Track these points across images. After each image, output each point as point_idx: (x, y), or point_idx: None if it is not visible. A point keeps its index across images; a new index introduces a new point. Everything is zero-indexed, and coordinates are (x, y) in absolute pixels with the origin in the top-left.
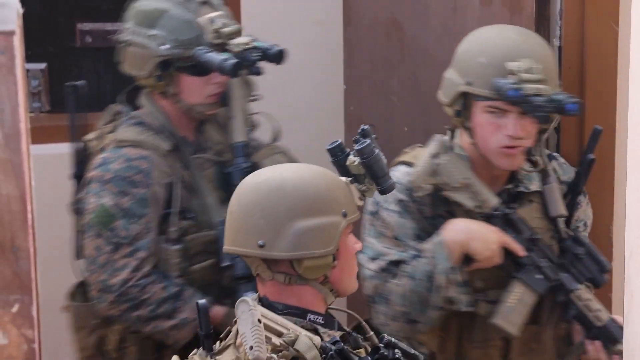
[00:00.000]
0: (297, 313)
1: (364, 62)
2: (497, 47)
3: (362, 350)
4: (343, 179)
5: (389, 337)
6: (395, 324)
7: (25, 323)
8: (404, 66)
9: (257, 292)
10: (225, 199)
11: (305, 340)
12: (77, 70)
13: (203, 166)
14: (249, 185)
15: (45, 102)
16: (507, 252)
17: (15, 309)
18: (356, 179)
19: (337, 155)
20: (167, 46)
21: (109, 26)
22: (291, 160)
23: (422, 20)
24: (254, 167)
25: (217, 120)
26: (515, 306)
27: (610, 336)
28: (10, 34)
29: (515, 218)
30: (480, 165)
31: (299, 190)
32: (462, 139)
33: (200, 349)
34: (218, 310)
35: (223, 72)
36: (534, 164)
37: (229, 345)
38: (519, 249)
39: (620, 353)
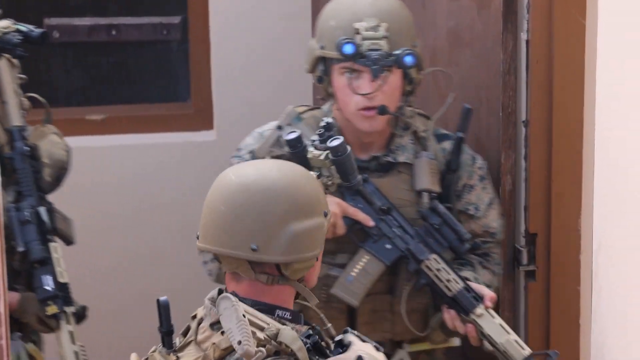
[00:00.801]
0: (265, 309)
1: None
2: (346, 10)
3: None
4: (312, 174)
5: (352, 330)
6: (213, 265)
7: None
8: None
9: (54, 276)
10: (6, 183)
11: (290, 332)
12: (45, 65)
13: None
14: (237, 186)
15: None
16: (358, 222)
17: None
18: (318, 171)
19: (297, 147)
20: None
21: (77, 21)
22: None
23: None
24: (34, 150)
25: None
26: (357, 276)
27: (461, 306)
28: None
29: (365, 188)
30: (349, 133)
31: (289, 192)
32: (333, 108)
33: (160, 345)
34: (13, 297)
35: None
36: (414, 134)
37: (190, 342)
38: (365, 219)
39: (473, 322)
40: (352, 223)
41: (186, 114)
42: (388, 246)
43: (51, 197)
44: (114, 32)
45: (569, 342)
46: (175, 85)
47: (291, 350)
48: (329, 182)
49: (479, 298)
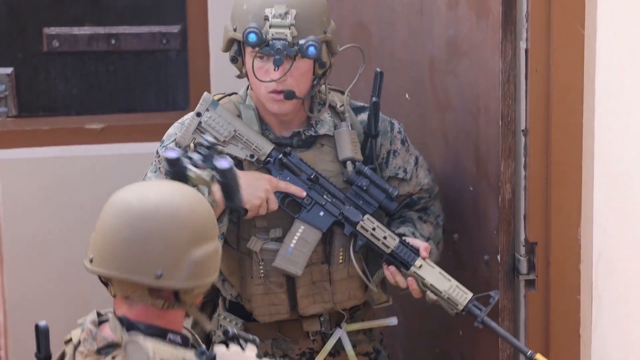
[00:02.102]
0: (159, 334)
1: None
2: None
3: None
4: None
5: (232, 330)
6: None
7: None
8: (371, 70)
9: None
10: None
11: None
12: (44, 74)
13: None
14: (141, 211)
15: (12, 107)
16: (289, 195)
17: None
18: (197, 189)
19: (176, 166)
20: None
21: (76, 30)
22: None
23: (389, 23)
24: None
25: None
26: (296, 246)
27: (400, 260)
28: None
29: (291, 161)
30: (267, 113)
31: (192, 218)
32: (250, 90)
33: None
34: None
35: None
36: (332, 109)
37: None
38: (298, 191)
39: (414, 274)
40: (283, 196)
41: None
42: (321, 213)
43: (51, 207)
44: (113, 41)
45: (570, 351)
46: (175, 94)
47: None
48: (214, 204)
49: (416, 251)
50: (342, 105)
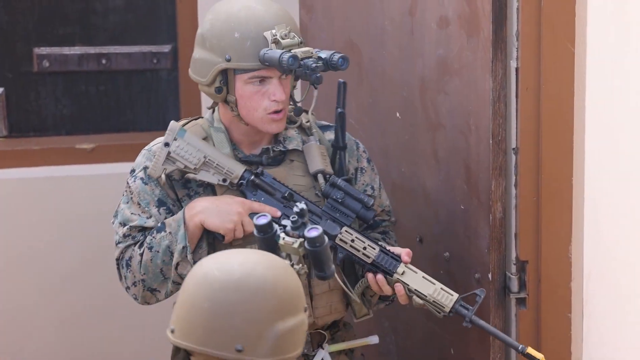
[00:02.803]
0: None
1: (321, 85)
2: (246, 20)
3: None
4: (288, 265)
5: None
6: (135, 289)
7: None
8: (362, 89)
9: None
10: None
11: None
12: (34, 94)
13: None
14: (223, 283)
15: (2, 127)
16: None
17: None
18: (288, 257)
19: (267, 232)
20: None
21: (66, 50)
22: None
23: (380, 43)
24: None
25: None
26: None
27: (383, 269)
28: None
29: (263, 181)
30: (239, 133)
31: (277, 291)
32: (221, 112)
33: None
34: None
35: None
36: (293, 123)
37: None
38: (272, 211)
39: (399, 281)
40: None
41: None
42: None
43: (42, 227)
44: (103, 61)
45: None
46: (165, 114)
47: None
48: (302, 272)
49: (397, 257)
50: (308, 121)
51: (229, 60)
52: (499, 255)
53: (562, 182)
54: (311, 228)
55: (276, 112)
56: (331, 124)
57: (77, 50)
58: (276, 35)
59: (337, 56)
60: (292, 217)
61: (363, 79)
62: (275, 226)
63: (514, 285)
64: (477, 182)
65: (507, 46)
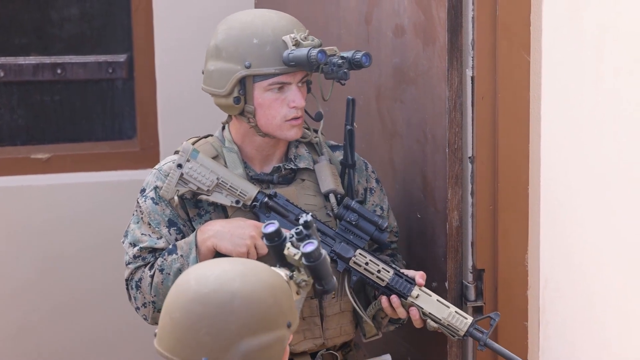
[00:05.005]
0: None
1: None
2: (264, 26)
3: None
4: (282, 274)
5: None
6: (145, 310)
7: None
8: (317, 95)
9: None
10: None
11: None
12: None
13: None
14: (194, 294)
15: None
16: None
17: None
18: (293, 268)
19: (274, 240)
20: None
21: (21, 60)
22: None
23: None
24: None
25: None
26: None
27: (397, 292)
28: None
29: (277, 203)
30: (252, 148)
31: (248, 307)
32: (233, 128)
33: None
34: None
35: None
36: (307, 144)
37: None
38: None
39: (414, 305)
40: None
41: (132, 152)
42: None
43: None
44: (59, 71)
45: None
46: (121, 123)
47: None
48: (303, 284)
49: (412, 280)
50: (316, 137)
51: (249, 67)
52: (456, 264)
53: (519, 191)
54: (307, 243)
55: (294, 118)
56: (339, 144)
57: (32, 60)
58: (296, 37)
59: (359, 54)
60: (296, 229)
61: (317, 86)
62: (285, 234)
63: (471, 293)
64: (434, 191)
65: (462, 55)
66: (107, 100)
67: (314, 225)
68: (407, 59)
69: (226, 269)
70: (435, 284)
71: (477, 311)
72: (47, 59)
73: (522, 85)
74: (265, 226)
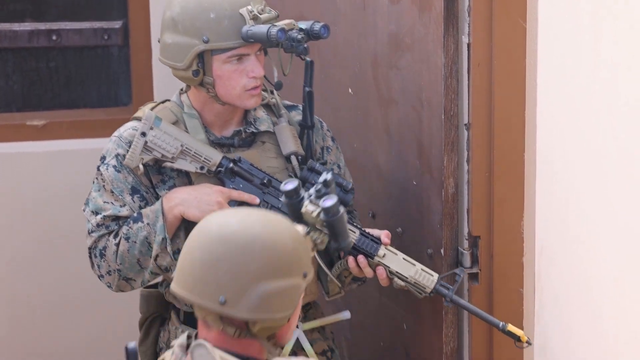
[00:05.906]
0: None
1: (272, 61)
2: (218, 0)
3: None
4: (300, 229)
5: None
6: (109, 277)
7: None
8: (314, 65)
9: None
10: None
11: None
12: None
13: None
14: (216, 235)
15: None
16: (244, 203)
17: None
18: (310, 227)
19: (292, 198)
20: None
21: (16, 26)
22: None
23: (331, 18)
24: None
25: None
26: None
27: (364, 252)
28: None
29: (242, 168)
30: (211, 115)
31: (268, 250)
32: (192, 95)
33: None
34: None
35: None
36: (265, 106)
37: None
38: (252, 198)
39: (380, 264)
40: (238, 205)
41: (127, 118)
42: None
43: None
44: (54, 37)
45: (513, 344)
46: (117, 90)
47: None
48: (318, 241)
49: (377, 240)
50: (273, 98)
51: (207, 42)
52: (451, 231)
53: (515, 158)
54: (326, 198)
55: (254, 87)
56: (295, 104)
57: (27, 26)
58: (253, 10)
59: (317, 25)
60: (317, 187)
61: (315, 55)
62: (303, 193)
63: (467, 260)
64: (430, 158)
65: (458, 21)
66: (102, 67)
67: (334, 184)
68: (403, 26)
69: (249, 214)
70: (430, 251)
71: (472, 278)
72: (42, 26)
73: (519, 52)
74: (285, 184)
